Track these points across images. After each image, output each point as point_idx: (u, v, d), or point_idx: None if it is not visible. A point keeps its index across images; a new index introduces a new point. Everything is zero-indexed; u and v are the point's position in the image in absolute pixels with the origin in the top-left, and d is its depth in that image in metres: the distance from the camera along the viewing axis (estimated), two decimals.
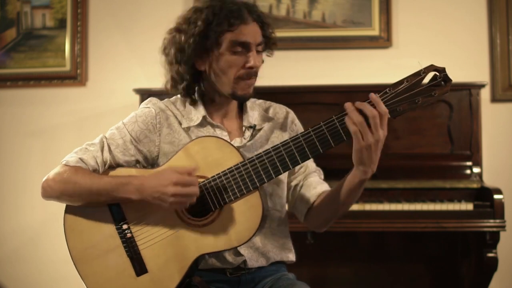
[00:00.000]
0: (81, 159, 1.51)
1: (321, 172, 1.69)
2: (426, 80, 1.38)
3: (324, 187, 1.63)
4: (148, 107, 1.60)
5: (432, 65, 1.36)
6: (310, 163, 1.66)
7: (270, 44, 1.59)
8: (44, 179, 1.53)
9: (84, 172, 1.49)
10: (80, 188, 1.47)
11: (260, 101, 1.71)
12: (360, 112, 1.35)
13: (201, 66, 1.56)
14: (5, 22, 3.28)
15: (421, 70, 1.35)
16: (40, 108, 3.25)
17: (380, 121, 1.34)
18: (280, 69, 2.93)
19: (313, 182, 1.63)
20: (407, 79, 1.35)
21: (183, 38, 1.53)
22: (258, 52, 1.55)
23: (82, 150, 1.54)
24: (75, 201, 1.51)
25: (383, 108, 1.35)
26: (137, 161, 1.57)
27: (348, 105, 1.37)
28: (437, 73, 1.34)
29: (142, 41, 3.20)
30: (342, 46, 3.13)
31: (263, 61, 1.59)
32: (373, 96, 1.37)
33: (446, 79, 1.34)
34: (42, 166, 3.16)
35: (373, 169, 1.42)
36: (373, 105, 1.35)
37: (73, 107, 3.23)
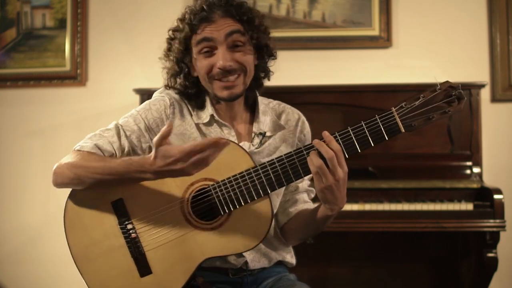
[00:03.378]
0: (96, 145, 1.47)
1: (313, 191, 1.66)
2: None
3: (307, 205, 1.64)
4: (163, 96, 1.58)
5: (447, 81, 1.36)
6: (302, 184, 1.65)
7: (255, 32, 1.52)
8: (55, 166, 1.48)
9: (96, 156, 1.45)
10: (92, 171, 1.41)
11: (274, 103, 1.68)
12: (319, 153, 1.35)
13: (194, 72, 1.56)
14: (5, 22, 3.28)
15: (437, 86, 1.36)
16: (40, 108, 3.25)
17: (338, 159, 1.34)
18: (280, 69, 2.93)
19: (299, 199, 1.64)
20: (423, 94, 1.36)
21: (170, 50, 1.56)
22: (236, 48, 1.49)
23: (97, 136, 1.51)
24: (86, 186, 1.45)
25: (336, 145, 1.35)
26: (150, 148, 1.53)
27: (315, 142, 1.37)
28: (452, 90, 1.36)
29: (142, 41, 3.20)
30: (342, 46, 3.13)
31: (267, 58, 1.57)
32: (325, 134, 1.36)
33: (460, 96, 1.35)
34: (42, 166, 3.16)
35: (340, 206, 1.42)
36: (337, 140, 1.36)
37: (73, 107, 3.23)
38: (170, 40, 1.57)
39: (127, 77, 3.17)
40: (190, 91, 1.57)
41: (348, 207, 2.53)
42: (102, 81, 3.23)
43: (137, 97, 2.86)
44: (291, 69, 3.06)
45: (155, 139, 1.32)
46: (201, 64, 1.51)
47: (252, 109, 1.63)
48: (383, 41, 3.10)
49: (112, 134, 1.50)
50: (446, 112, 1.36)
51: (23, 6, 3.27)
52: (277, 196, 1.61)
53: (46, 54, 3.25)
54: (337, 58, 3.13)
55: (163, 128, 1.30)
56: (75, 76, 3.23)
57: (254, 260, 1.58)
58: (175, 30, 1.55)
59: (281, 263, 1.66)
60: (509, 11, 3.06)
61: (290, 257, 1.68)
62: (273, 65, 1.64)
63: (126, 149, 1.51)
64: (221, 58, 1.47)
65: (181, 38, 1.52)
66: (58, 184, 1.48)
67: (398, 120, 1.36)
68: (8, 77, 3.26)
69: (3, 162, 3.26)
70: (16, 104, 3.27)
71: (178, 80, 1.57)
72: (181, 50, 1.53)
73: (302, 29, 3.13)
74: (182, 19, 1.54)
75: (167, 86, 1.61)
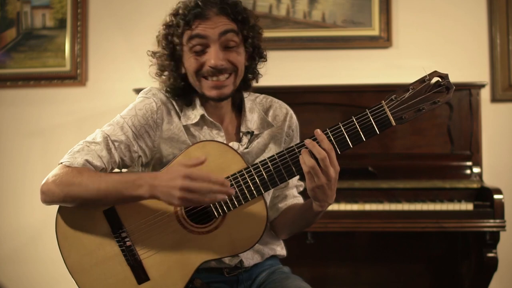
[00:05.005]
0: (87, 161, 1.41)
1: (302, 185, 1.67)
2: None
3: (296, 200, 1.65)
4: (148, 98, 1.54)
5: (435, 71, 1.36)
6: (292, 180, 1.64)
7: (249, 33, 1.50)
8: (43, 183, 1.43)
9: (90, 172, 1.40)
10: (85, 189, 1.37)
11: (261, 97, 1.65)
12: (312, 153, 1.34)
13: (182, 69, 1.53)
14: (5, 22, 3.28)
15: (425, 76, 1.36)
16: (40, 108, 3.25)
17: (329, 159, 1.34)
18: (280, 69, 2.93)
19: (288, 194, 1.65)
20: (412, 86, 1.35)
21: (161, 45, 1.54)
22: (229, 48, 1.47)
23: (84, 149, 1.44)
24: (79, 204, 1.42)
25: (327, 145, 1.34)
26: (139, 157, 1.51)
27: (307, 142, 1.36)
28: (440, 80, 1.35)
29: (142, 41, 3.16)
30: (342, 46, 3.13)
31: (256, 59, 1.55)
32: (317, 132, 1.36)
33: (449, 85, 1.35)
34: (42, 166, 3.16)
35: (330, 203, 1.42)
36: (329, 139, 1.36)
37: (73, 107, 3.23)
38: (165, 36, 1.53)
39: (127, 77, 3.17)
40: (178, 88, 1.54)
41: (348, 207, 2.54)
42: (102, 81, 3.23)
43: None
44: (291, 69, 3.06)
45: (188, 162, 1.33)
46: (190, 61, 1.48)
47: (239, 108, 1.61)
48: (383, 41, 3.10)
49: (101, 148, 1.44)
50: (436, 103, 1.35)
51: (23, 6, 3.27)
52: (268, 194, 1.61)
53: (46, 54, 3.25)
54: (337, 58, 3.13)
55: (200, 161, 1.32)
56: (75, 76, 3.23)
57: (248, 258, 1.58)
58: (167, 24, 1.52)
59: (273, 256, 1.66)
60: (509, 11, 3.06)
61: (280, 249, 1.68)
62: (262, 67, 1.61)
63: (117, 162, 1.47)
64: (213, 57, 1.45)
65: (173, 33, 1.49)
66: (48, 202, 1.44)
67: (388, 113, 1.35)
68: (8, 77, 3.26)
69: (3, 162, 3.26)
70: (16, 104, 3.27)
71: (167, 76, 1.54)
72: (172, 45, 1.50)
73: (302, 29, 3.13)
74: (175, 14, 1.50)
75: (158, 76, 1.58)
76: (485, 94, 2.98)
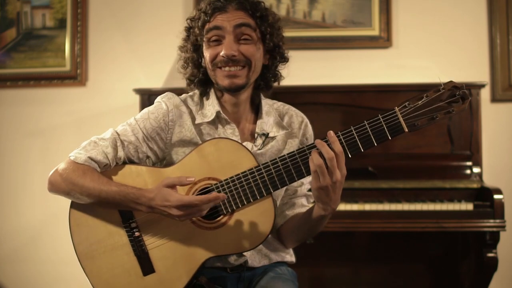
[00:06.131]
0: (90, 157, 1.47)
1: (312, 197, 1.65)
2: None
3: (304, 209, 1.64)
4: (161, 103, 1.58)
5: (451, 81, 1.36)
6: (301, 189, 1.65)
7: (266, 29, 1.54)
8: (51, 173, 1.50)
9: (93, 176, 1.45)
10: (87, 193, 1.45)
11: (279, 104, 1.69)
12: (320, 153, 1.35)
13: (204, 62, 1.59)
14: (5, 22, 3.28)
15: (440, 86, 1.36)
16: (40, 108, 3.25)
17: (337, 162, 1.34)
18: (280, 69, 2.93)
19: (296, 203, 1.65)
20: (426, 94, 1.36)
21: (187, 40, 1.62)
22: (243, 40, 1.52)
23: (91, 145, 1.50)
24: (82, 202, 1.49)
25: (338, 147, 1.35)
26: (147, 157, 1.56)
27: (318, 142, 1.37)
28: (456, 90, 1.35)
29: (142, 41, 3.20)
30: (342, 46, 3.13)
31: (277, 59, 1.61)
32: (330, 134, 1.36)
33: (465, 96, 1.35)
34: (42, 166, 3.16)
35: (334, 207, 1.42)
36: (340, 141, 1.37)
37: (73, 107, 3.23)
38: (187, 29, 1.61)
39: (127, 77, 3.17)
40: (199, 79, 1.60)
41: (348, 207, 2.54)
42: (102, 81, 3.23)
43: (137, 97, 2.86)
44: (291, 69, 3.05)
45: (166, 180, 1.40)
46: (208, 52, 1.54)
47: (257, 111, 1.64)
48: (383, 41, 3.10)
49: (107, 145, 1.50)
50: (450, 112, 1.35)
51: (23, 6, 3.27)
52: (277, 199, 1.62)
53: (46, 54, 3.25)
54: (337, 58, 3.14)
55: (182, 178, 1.39)
56: (75, 76, 3.23)
57: (255, 260, 1.59)
58: (191, 19, 1.60)
59: (281, 262, 1.66)
60: (509, 11, 3.06)
61: (289, 257, 1.69)
62: (283, 68, 1.67)
63: (122, 159, 1.52)
64: (226, 47, 1.50)
65: (196, 26, 1.57)
66: (53, 192, 1.51)
67: (401, 119, 1.35)
68: (8, 77, 3.26)
69: (3, 162, 3.27)
70: (16, 104, 3.27)
71: (190, 68, 1.61)
72: (194, 38, 1.57)
73: (302, 29, 3.13)
74: (199, 9, 1.58)
75: (183, 68, 1.65)
76: (485, 94, 2.98)
